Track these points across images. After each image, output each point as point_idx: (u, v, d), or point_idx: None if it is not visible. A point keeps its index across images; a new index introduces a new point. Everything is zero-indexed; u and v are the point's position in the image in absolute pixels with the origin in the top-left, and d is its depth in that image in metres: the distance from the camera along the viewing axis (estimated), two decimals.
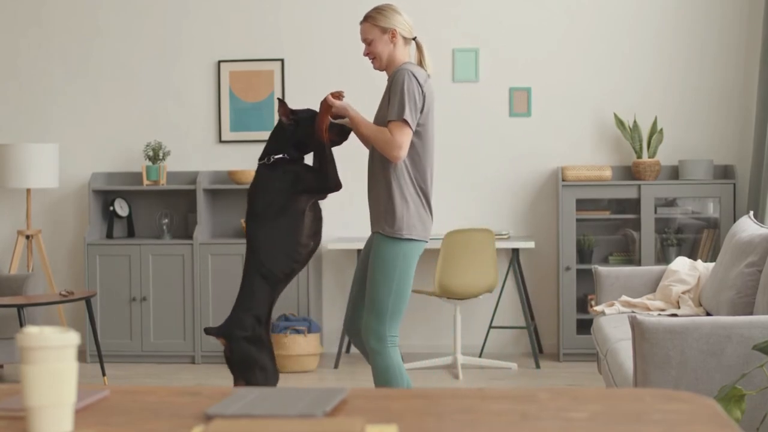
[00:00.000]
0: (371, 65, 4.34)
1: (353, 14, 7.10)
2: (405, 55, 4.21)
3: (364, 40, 4.19)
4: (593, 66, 6.98)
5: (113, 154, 7.27)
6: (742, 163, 6.85)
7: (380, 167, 4.13)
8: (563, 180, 6.70)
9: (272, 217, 4.23)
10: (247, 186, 6.83)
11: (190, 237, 7.04)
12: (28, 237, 6.92)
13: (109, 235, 7.05)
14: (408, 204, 4.09)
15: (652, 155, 6.74)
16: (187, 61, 7.21)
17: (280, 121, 4.32)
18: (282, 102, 4.30)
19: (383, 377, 4.09)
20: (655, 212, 6.69)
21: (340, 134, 4.33)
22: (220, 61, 7.16)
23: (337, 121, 4.35)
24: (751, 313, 4.19)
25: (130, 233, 7.18)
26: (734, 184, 6.56)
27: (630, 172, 6.91)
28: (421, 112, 4.09)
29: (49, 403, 1.46)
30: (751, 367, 3.52)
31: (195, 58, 7.21)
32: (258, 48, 7.17)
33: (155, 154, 7.00)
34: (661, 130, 6.74)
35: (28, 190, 6.96)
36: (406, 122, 4.00)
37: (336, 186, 4.23)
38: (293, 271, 4.27)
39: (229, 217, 7.17)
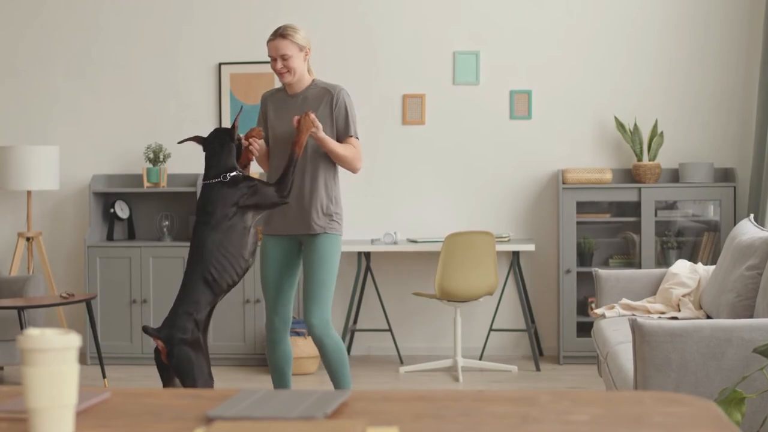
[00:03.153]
0: (280, 78, 4.58)
1: (353, 16, 7.11)
2: (310, 70, 4.72)
3: (282, 56, 4.58)
4: (594, 69, 6.98)
5: (114, 156, 7.27)
6: (742, 166, 6.85)
7: (317, 173, 4.61)
8: (564, 183, 6.70)
9: (225, 229, 4.37)
10: None
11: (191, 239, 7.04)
12: (28, 239, 6.93)
13: (110, 237, 7.05)
14: (339, 205, 4.69)
15: (652, 158, 6.74)
16: (187, 63, 7.22)
17: (229, 138, 4.46)
18: (235, 123, 4.51)
19: (338, 356, 4.59)
20: (656, 215, 6.69)
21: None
22: (220, 64, 7.17)
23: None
24: (751, 316, 4.19)
25: (131, 235, 7.18)
26: (734, 187, 6.56)
27: (630, 175, 6.91)
28: None
29: (49, 405, 1.46)
30: (752, 370, 3.52)
31: (196, 61, 7.21)
32: (258, 50, 7.17)
33: (156, 156, 7.00)
34: (662, 133, 6.74)
35: (29, 192, 6.96)
36: (358, 137, 4.66)
37: (286, 200, 4.45)
38: (234, 283, 4.42)
39: None
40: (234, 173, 4.42)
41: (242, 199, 4.38)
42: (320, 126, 4.47)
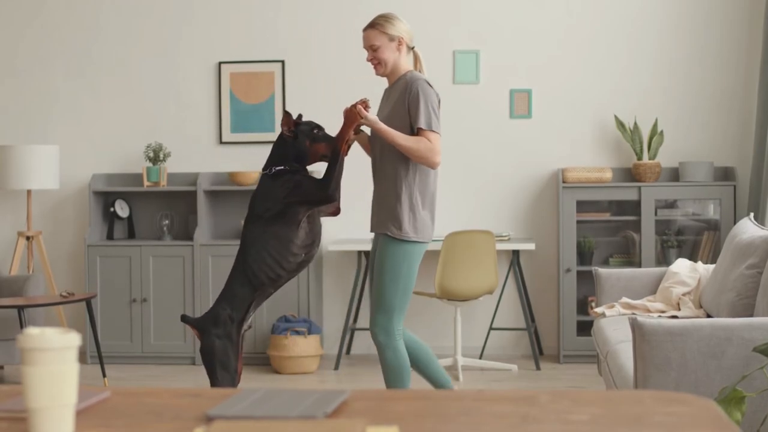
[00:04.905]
0: (374, 70, 4.42)
1: (353, 16, 7.11)
2: (408, 63, 4.39)
3: (370, 47, 4.33)
4: (594, 68, 6.98)
5: (114, 155, 7.27)
6: (742, 165, 6.85)
7: (390, 170, 4.29)
8: (564, 182, 6.70)
9: (267, 221, 4.31)
10: (248, 188, 6.85)
11: (191, 238, 7.04)
12: (28, 238, 6.92)
13: (110, 236, 7.05)
14: (415, 207, 4.29)
15: (652, 157, 6.74)
16: (187, 62, 7.22)
17: (282, 132, 4.38)
18: (287, 114, 4.35)
19: (392, 370, 4.32)
20: (656, 214, 6.69)
21: (331, 156, 4.35)
22: (220, 63, 7.17)
23: (353, 138, 4.42)
24: (751, 315, 4.19)
25: (131, 234, 7.18)
26: (734, 186, 6.56)
27: (630, 174, 6.91)
28: None
29: (49, 404, 1.46)
30: (752, 369, 3.52)
31: (195, 60, 7.21)
32: (258, 49, 7.17)
33: (156, 156, 7.00)
34: (662, 132, 6.74)
35: (29, 192, 6.96)
36: (436, 130, 4.24)
37: (331, 198, 4.26)
38: (279, 277, 4.33)
39: (230, 219, 7.17)
40: (281, 167, 4.33)
41: (285, 194, 4.29)
42: (370, 116, 4.21)
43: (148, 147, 7.04)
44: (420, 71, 4.43)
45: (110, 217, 7.05)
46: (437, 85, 7.06)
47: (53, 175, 6.83)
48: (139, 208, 7.24)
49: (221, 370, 4.31)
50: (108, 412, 1.71)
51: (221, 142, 7.19)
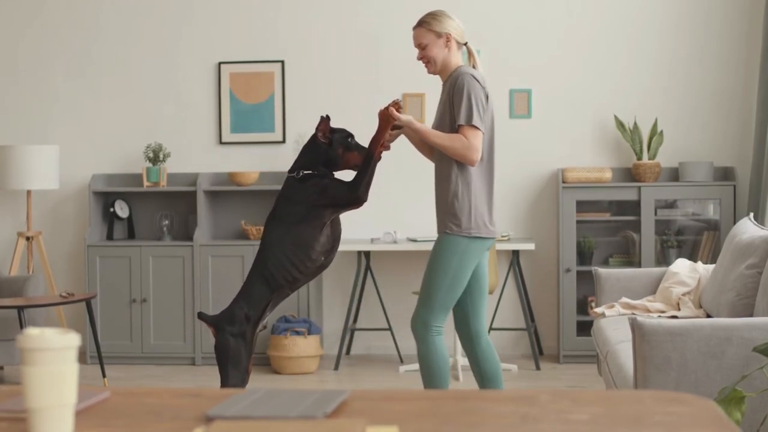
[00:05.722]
0: (425, 69, 4.38)
1: (353, 16, 7.11)
2: (459, 59, 4.29)
3: (418, 45, 4.25)
4: (594, 68, 6.98)
5: (113, 155, 7.27)
6: (742, 165, 6.85)
7: (446, 168, 4.21)
8: (563, 182, 6.70)
9: (290, 223, 4.28)
10: (248, 188, 6.85)
11: (191, 239, 7.04)
12: (28, 238, 6.92)
13: (110, 236, 7.05)
14: (468, 203, 4.18)
15: (652, 157, 6.74)
16: (187, 62, 7.22)
17: (314, 136, 4.34)
18: (324, 119, 4.31)
19: (425, 366, 4.25)
20: (656, 214, 6.69)
21: (365, 158, 4.29)
22: (220, 63, 7.17)
23: (395, 132, 4.34)
24: (751, 315, 4.19)
25: (131, 235, 7.18)
26: (734, 186, 6.56)
27: (630, 174, 6.91)
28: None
29: (49, 404, 1.46)
30: (752, 368, 3.52)
31: (195, 60, 7.21)
32: (258, 50, 7.17)
33: (155, 156, 7.00)
34: (662, 132, 6.74)
35: (29, 192, 6.96)
36: (476, 125, 4.10)
37: (361, 200, 4.22)
38: (296, 280, 4.31)
39: (230, 219, 7.17)
40: (309, 171, 4.29)
41: (311, 198, 4.25)
42: (403, 117, 4.14)
43: (147, 147, 7.04)
44: (474, 67, 4.29)
45: (110, 218, 7.05)
46: (437, 86, 7.06)
47: (53, 175, 6.83)
48: (138, 209, 7.24)
49: (232, 368, 4.31)
50: (108, 412, 1.71)
51: (221, 143, 7.19)
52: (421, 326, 4.24)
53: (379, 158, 4.25)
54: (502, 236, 6.66)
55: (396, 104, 4.18)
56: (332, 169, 4.33)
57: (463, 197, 4.17)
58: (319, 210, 4.26)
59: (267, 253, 4.30)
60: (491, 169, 4.25)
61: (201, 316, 4.39)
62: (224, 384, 4.33)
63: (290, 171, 4.35)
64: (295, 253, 4.27)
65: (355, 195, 4.21)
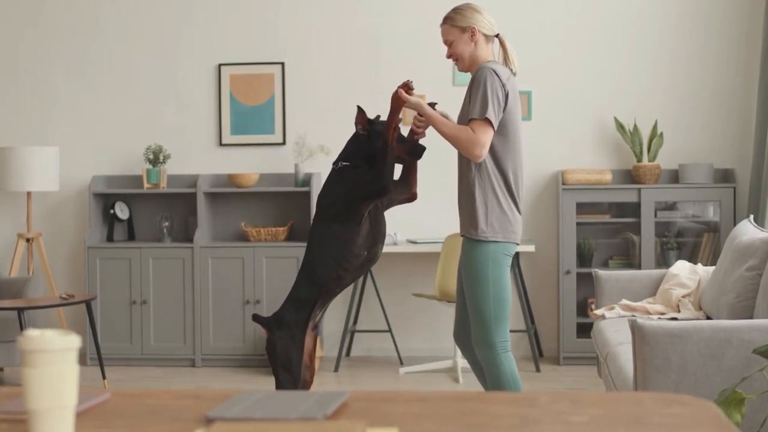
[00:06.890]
0: (456, 66, 4.28)
1: (353, 17, 7.11)
2: (488, 53, 4.11)
3: (445, 42, 4.11)
4: (594, 69, 6.98)
5: (114, 157, 7.27)
6: (742, 167, 6.85)
7: (466, 169, 4.04)
8: (563, 183, 6.70)
9: (330, 219, 4.22)
10: (248, 189, 6.85)
11: (191, 240, 7.04)
12: (28, 240, 6.92)
13: (110, 238, 7.05)
14: (491, 206, 3.99)
15: (652, 159, 6.74)
16: (187, 64, 7.22)
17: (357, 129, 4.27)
18: (360, 110, 4.21)
19: (495, 385, 4.03)
20: (656, 216, 6.69)
21: (412, 153, 4.20)
22: (220, 65, 7.17)
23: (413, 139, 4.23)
24: (751, 317, 4.19)
25: (131, 236, 7.18)
26: (734, 188, 6.56)
27: (630, 176, 6.91)
28: (504, 110, 3.98)
29: (49, 406, 1.47)
30: (752, 370, 3.52)
31: (195, 62, 7.21)
32: (258, 51, 7.17)
33: (156, 157, 7.00)
34: (662, 133, 6.74)
35: (29, 193, 6.96)
36: (488, 121, 3.90)
37: (385, 189, 4.09)
38: (341, 278, 4.24)
39: (230, 221, 7.17)
40: (347, 163, 4.21)
41: (345, 190, 4.18)
42: (412, 99, 3.98)
43: (148, 149, 7.04)
44: (507, 60, 4.12)
45: (110, 219, 7.05)
46: (437, 86, 7.06)
47: (53, 176, 6.83)
48: (139, 210, 7.24)
49: (283, 371, 4.31)
50: (108, 413, 1.71)
51: (221, 144, 7.19)
52: (485, 348, 4.00)
53: (395, 141, 4.07)
54: None
55: (406, 85, 4.04)
56: (371, 162, 4.19)
57: (485, 198, 3.98)
58: (355, 203, 4.17)
59: (312, 252, 4.26)
60: (509, 169, 4.02)
61: (255, 317, 4.38)
62: (277, 387, 4.35)
63: (334, 163, 4.29)
64: (337, 250, 4.20)
65: (379, 185, 4.08)
